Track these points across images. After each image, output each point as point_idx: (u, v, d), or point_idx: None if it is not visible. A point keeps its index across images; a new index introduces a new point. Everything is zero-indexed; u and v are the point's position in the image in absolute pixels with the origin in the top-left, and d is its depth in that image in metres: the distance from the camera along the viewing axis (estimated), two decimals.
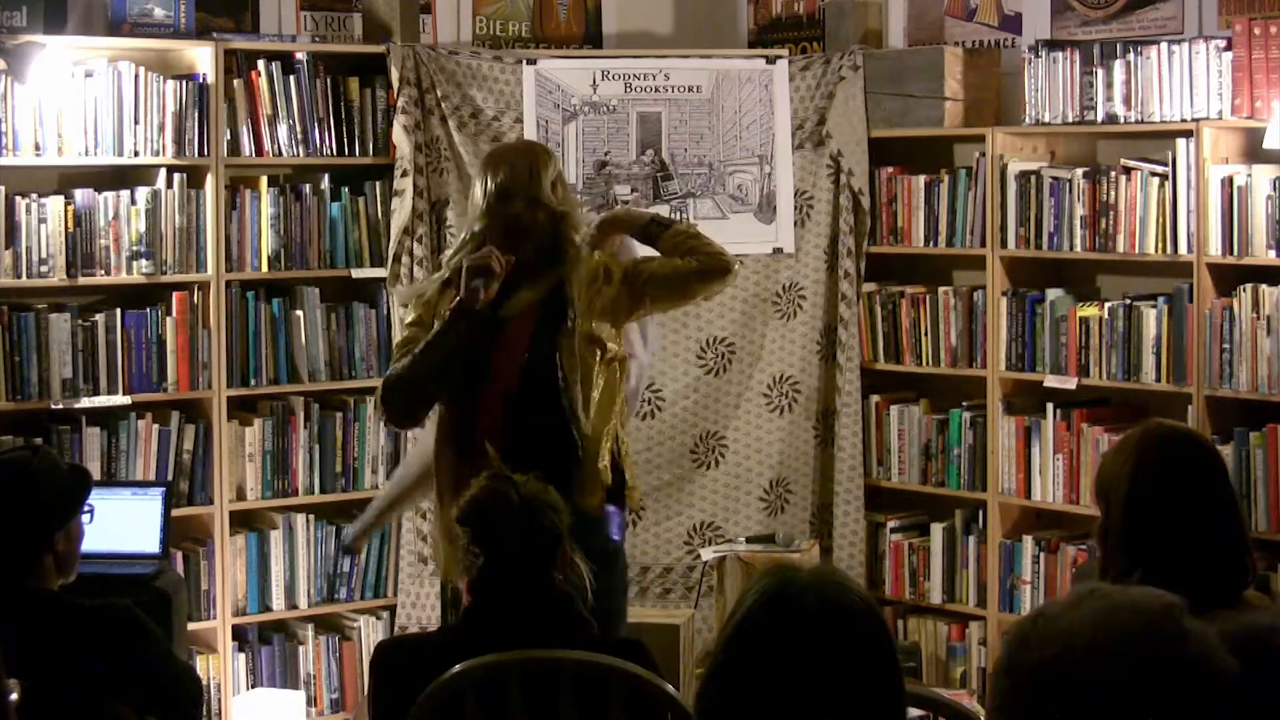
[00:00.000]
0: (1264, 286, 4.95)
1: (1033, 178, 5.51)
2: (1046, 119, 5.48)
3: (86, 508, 3.52)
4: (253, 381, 5.52)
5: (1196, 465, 2.97)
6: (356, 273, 5.69)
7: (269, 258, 5.52)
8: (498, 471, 3.33)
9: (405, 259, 5.66)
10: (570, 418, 4.07)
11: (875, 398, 5.99)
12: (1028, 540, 5.56)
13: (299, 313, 5.59)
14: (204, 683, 5.24)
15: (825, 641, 1.94)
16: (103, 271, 5.25)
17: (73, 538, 3.46)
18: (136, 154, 5.28)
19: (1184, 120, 5.13)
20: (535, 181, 4.16)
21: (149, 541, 4.99)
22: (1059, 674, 1.67)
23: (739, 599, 2.02)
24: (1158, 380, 5.22)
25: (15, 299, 5.20)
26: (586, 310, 4.13)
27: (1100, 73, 5.32)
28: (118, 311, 5.29)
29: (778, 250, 5.98)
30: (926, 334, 5.85)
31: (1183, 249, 5.13)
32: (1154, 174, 5.20)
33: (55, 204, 5.16)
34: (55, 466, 3.54)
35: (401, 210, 5.63)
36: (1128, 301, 5.31)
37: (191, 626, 5.21)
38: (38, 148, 5.14)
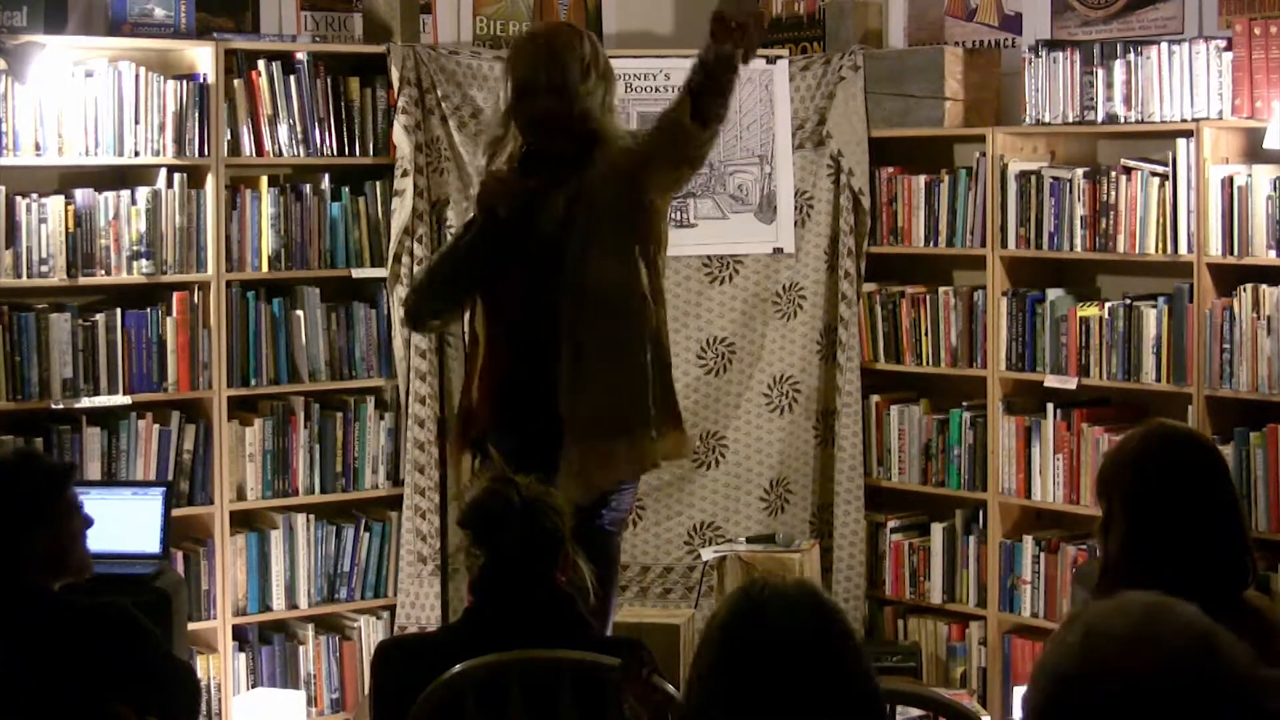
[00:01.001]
0: (1264, 286, 4.95)
1: (1033, 178, 5.51)
2: (1047, 119, 5.48)
3: (76, 504, 3.50)
4: (253, 381, 5.52)
5: (1198, 465, 2.97)
6: (357, 273, 5.68)
7: (269, 258, 5.52)
8: (500, 474, 3.34)
9: (405, 259, 5.66)
10: (562, 397, 4.00)
11: (875, 398, 5.99)
12: (1028, 540, 5.56)
13: (299, 313, 5.59)
14: (204, 683, 5.25)
15: (791, 650, 1.95)
16: (103, 271, 5.25)
17: (61, 539, 3.43)
18: (137, 154, 5.28)
19: (1184, 120, 5.13)
20: (558, 69, 3.96)
21: (149, 541, 4.99)
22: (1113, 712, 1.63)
23: (711, 614, 2.04)
24: (1158, 380, 5.22)
25: (15, 299, 5.20)
26: (608, 229, 3.99)
27: (1100, 73, 5.32)
28: (118, 311, 5.29)
29: (778, 250, 5.99)
30: (926, 334, 5.85)
31: (1183, 249, 5.13)
32: (1154, 174, 5.20)
33: (55, 204, 5.16)
34: (28, 468, 3.51)
35: (402, 210, 5.63)
36: (1128, 301, 5.31)
37: (192, 626, 5.20)
38: (38, 148, 5.14)
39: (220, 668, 5.42)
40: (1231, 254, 5.02)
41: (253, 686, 5.55)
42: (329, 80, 5.63)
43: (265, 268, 5.53)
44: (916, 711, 3.23)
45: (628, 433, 4.09)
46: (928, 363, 5.87)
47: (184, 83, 5.34)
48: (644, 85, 5.88)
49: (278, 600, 5.60)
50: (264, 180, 5.53)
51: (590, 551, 3.45)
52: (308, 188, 5.60)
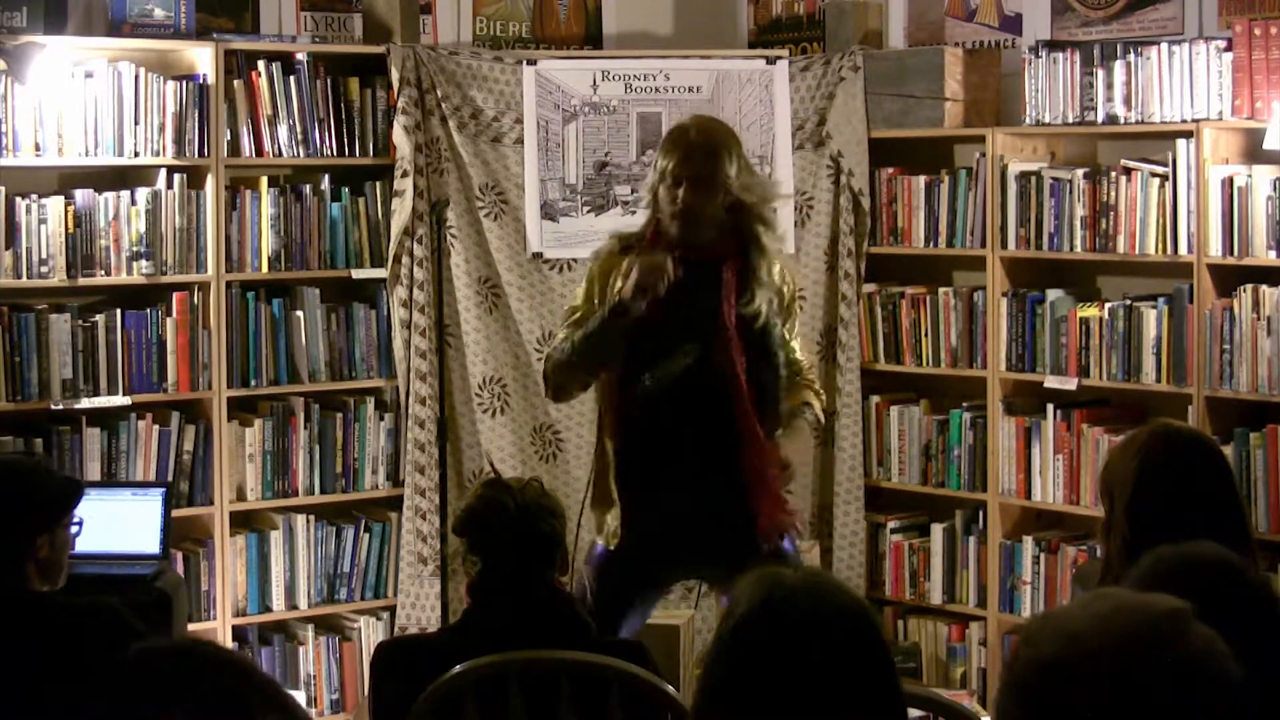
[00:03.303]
0: (1264, 287, 4.95)
1: (1033, 178, 5.51)
2: (1047, 119, 5.47)
3: (75, 520, 3.51)
4: (253, 382, 5.52)
5: (1201, 466, 2.97)
6: (356, 273, 5.69)
7: (269, 258, 5.52)
8: (496, 478, 3.33)
9: (405, 259, 5.66)
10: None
11: (875, 398, 5.98)
12: (1028, 541, 5.56)
13: (299, 313, 5.59)
14: None
15: (817, 642, 1.94)
16: (103, 272, 5.25)
17: (58, 547, 3.44)
18: (137, 154, 5.28)
19: (1184, 121, 5.13)
20: (716, 166, 4.05)
21: (149, 542, 4.99)
22: (1061, 672, 1.67)
23: (732, 603, 2.03)
24: (1158, 381, 5.22)
25: (15, 299, 5.20)
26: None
27: (1100, 73, 5.32)
28: (118, 312, 5.29)
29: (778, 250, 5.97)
30: (926, 334, 5.85)
31: (1183, 249, 5.13)
32: (1154, 174, 5.20)
33: (55, 204, 5.16)
34: (48, 472, 3.54)
35: (401, 210, 5.63)
36: (1128, 302, 5.31)
37: (191, 627, 5.20)
38: (38, 148, 5.14)
39: None
40: (1231, 254, 5.02)
41: None
42: (329, 81, 5.63)
43: (265, 268, 5.53)
44: (917, 712, 3.23)
45: None
46: (928, 363, 5.87)
47: (184, 83, 5.34)
48: (644, 85, 5.88)
49: (277, 601, 5.60)
50: (264, 181, 5.53)
51: None
52: (307, 188, 5.60)
